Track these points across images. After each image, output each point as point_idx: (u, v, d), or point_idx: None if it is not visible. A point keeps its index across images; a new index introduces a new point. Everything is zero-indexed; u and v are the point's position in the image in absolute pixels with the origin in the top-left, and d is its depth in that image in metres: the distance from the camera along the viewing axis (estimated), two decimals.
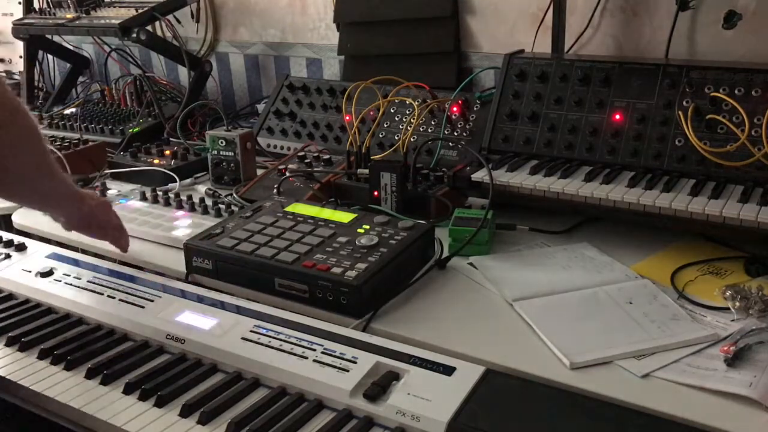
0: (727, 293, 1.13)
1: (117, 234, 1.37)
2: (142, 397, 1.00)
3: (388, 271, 1.18)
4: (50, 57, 2.87)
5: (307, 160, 1.75)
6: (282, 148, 1.99)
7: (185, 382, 1.02)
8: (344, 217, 1.34)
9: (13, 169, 1.03)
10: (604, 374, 0.98)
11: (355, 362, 0.99)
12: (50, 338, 1.16)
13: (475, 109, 1.77)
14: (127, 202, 1.65)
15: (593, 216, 1.43)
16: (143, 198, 1.68)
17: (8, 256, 1.41)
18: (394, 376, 0.97)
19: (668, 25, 1.69)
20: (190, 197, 1.64)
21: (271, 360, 1.03)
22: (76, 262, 1.36)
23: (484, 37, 1.99)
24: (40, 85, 2.84)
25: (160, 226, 1.49)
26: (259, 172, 1.75)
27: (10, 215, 1.63)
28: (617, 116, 1.46)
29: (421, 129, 1.80)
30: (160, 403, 0.98)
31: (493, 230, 1.39)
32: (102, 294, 1.24)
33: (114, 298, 1.23)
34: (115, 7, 2.40)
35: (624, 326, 1.08)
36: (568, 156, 1.49)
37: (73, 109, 2.39)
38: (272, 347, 1.05)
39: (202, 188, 1.76)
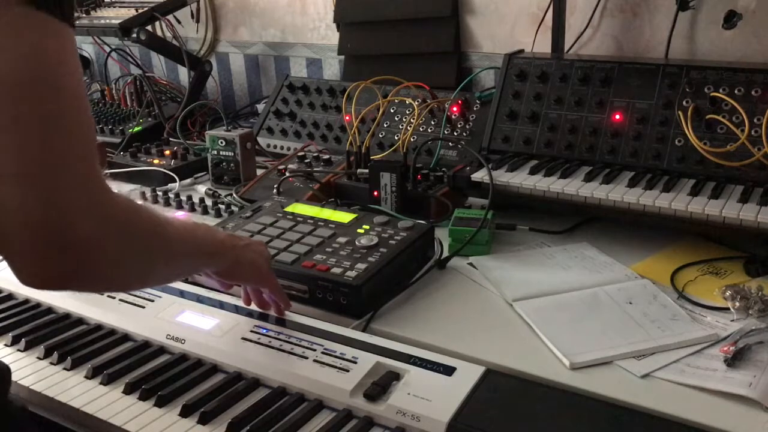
0: (727, 293, 1.13)
1: (275, 284, 1.12)
2: (143, 397, 1.00)
3: (388, 271, 1.18)
4: None
5: (307, 160, 1.75)
6: (282, 148, 1.99)
7: (185, 382, 1.02)
8: (344, 217, 1.34)
9: (124, 278, 0.84)
10: (604, 374, 0.98)
11: (355, 362, 0.99)
12: (50, 338, 1.16)
13: (475, 109, 1.77)
14: None
15: (593, 216, 1.43)
16: (143, 198, 1.68)
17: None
18: (394, 376, 0.97)
19: (668, 25, 1.69)
20: (190, 197, 1.64)
21: (271, 360, 1.03)
22: None
23: (484, 37, 1.99)
24: None
25: None
26: (259, 172, 1.75)
27: None
28: (617, 116, 1.46)
29: (421, 129, 1.80)
30: (160, 403, 0.98)
31: (493, 230, 1.39)
32: (102, 294, 1.24)
33: (114, 298, 1.23)
34: (115, 7, 2.40)
35: (624, 326, 1.08)
36: (568, 156, 1.49)
37: None
38: (272, 347, 1.05)
39: (202, 188, 1.76)
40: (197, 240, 0.98)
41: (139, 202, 1.65)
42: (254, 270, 1.08)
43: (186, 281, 1.27)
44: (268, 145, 2.01)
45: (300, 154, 1.78)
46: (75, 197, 0.70)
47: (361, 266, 1.16)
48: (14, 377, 1.06)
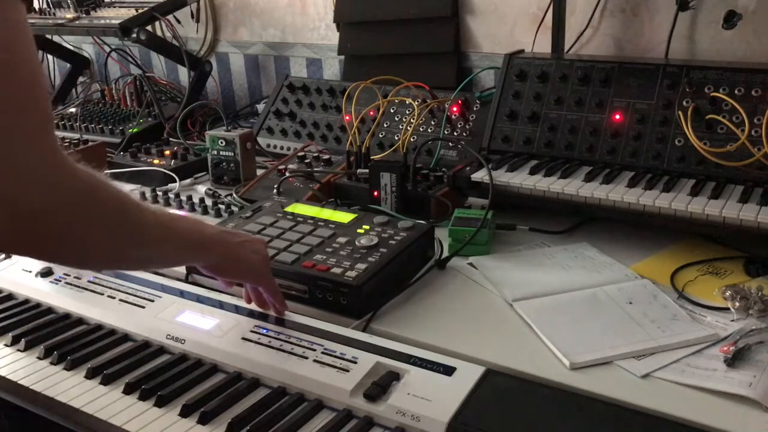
0: (727, 293, 1.13)
1: (272, 284, 1.12)
2: (142, 397, 1.00)
3: (388, 272, 1.18)
4: (50, 57, 2.87)
5: (307, 160, 1.75)
6: (282, 148, 1.99)
7: (185, 382, 1.02)
8: (344, 217, 1.34)
9: (93, 252, 0.84)
10: (604, 374, 0.98)
11: (355, 362, 0.99)
12: (50, 338, 1.16)
13: (475, 109, 1.77)
14: None
15: (593, 216, 1.43)
16: (143, 198, 1.68)
17: (8, 256, 1.41)
18: (394, 376, 0.97)
19: (668, 25, 1.69)
20: (190, 197, 1.64)
21: (271, 360, 1.03)
22: None
23: (484, 37, 1.99)
24: None
25: None
26: (259, 172, 1.75)
27: None
28: (617, 116, 1.46)
29: (421, 129, 1.80)
30: (160, 403, 0.98)
31: (493, 230, 1.39)
32: (102, 294, 1.24)
33: (114, 298, 1.23)
34: (115, 7, 2.40)
35: (624, 326, 1.08)
36: (568, 156, 1.49)
37: (73, 109, 2.39)
38: (272, 347, 1.05)
39: (202, 188, 1.76)
40: (179, 230, 0.97)
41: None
42: (247, 268, 1.08)
43: (186, 281, 1.27)
44: (268, 145, 2.01)
45: (300, 154, 1.78)
46: (27, 165, 0.70)
47: (361, 266, 1.16)
48: (15, 377, 1.07)
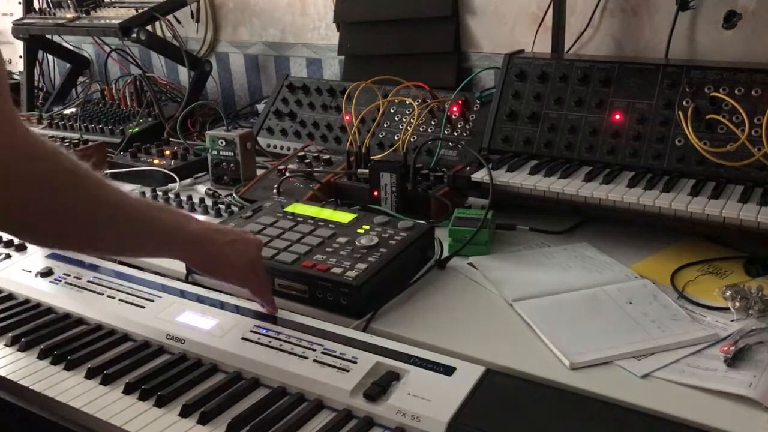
0: (727, 293, 1.13)
1: (259, 285, 1.12)
2: (142, 397, 1.00)
3: (388, 272, 1.18)
4: (50, 57, 2.87)
5: (307, 160, 1.75)
6: (282, 148, 1.99)
7: (185, 382, 1.02)
8: (344, 217, 1.34)
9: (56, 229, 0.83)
10: (604, 374, 0.98)
11: (355, 362, 0.99)
12: (50, 338, 1.15)
13: (475, 109, 1.77)
14: None
15: (593, 216, 1.43)
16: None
17: (8, 256, 1.41)
18: (394, 376, 0.97)
19: (668, 25, 1.69)
20: (190, 197, 1.64)
21: (271, 360, 1.03)
22: (75, 262, 1.36)
23: (484, 37, 1.99)
24: (40, 85, 2.84)
25: None
26: (259, 172, 1.75)
27: None
28: (617, 116, 1.46)
29: (421, 129, 1.80)
30: (160, 403, 0.98)
31: (493, 230, 1.39)
32: (102, 294, 1.24)
33: (114, 298, 1.23)
34: (115, 7, 2.40)
35: (624, 326, 1.08)
36: (568, 156, 1.49)
37: (73, 109, 2.39)
38: (272, 347, 1.05)
39: (202, 188, 1.76)
40: (157, 220, 0.96)
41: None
42: (230, 269, 1.07)
43: (186, 281, 1.27)
44: (268, 145, 2.01)
45: (300, 154, 1.78)
46: None
47: (361, 266, 1.16)
48: (15, 377, 1.06)
